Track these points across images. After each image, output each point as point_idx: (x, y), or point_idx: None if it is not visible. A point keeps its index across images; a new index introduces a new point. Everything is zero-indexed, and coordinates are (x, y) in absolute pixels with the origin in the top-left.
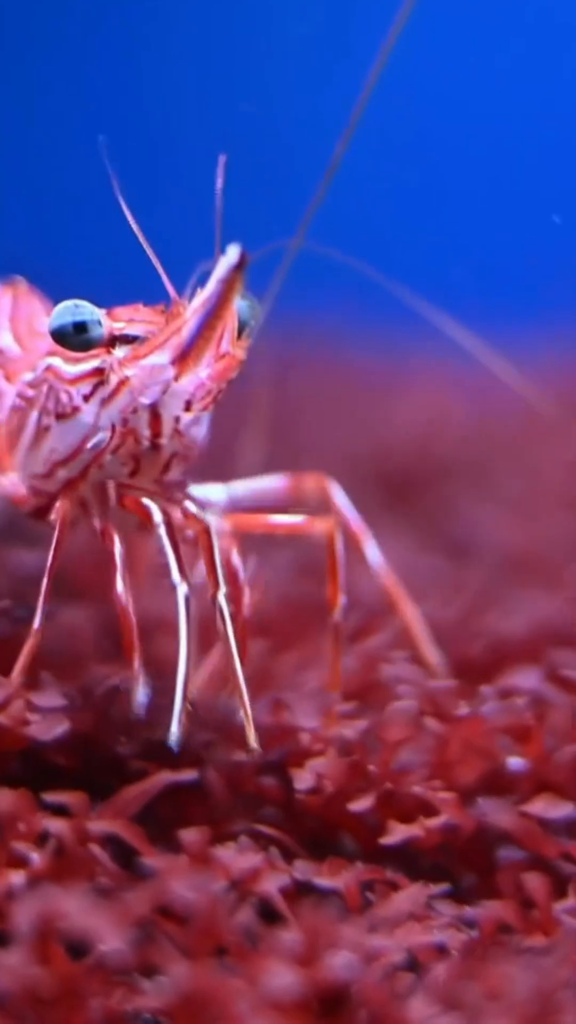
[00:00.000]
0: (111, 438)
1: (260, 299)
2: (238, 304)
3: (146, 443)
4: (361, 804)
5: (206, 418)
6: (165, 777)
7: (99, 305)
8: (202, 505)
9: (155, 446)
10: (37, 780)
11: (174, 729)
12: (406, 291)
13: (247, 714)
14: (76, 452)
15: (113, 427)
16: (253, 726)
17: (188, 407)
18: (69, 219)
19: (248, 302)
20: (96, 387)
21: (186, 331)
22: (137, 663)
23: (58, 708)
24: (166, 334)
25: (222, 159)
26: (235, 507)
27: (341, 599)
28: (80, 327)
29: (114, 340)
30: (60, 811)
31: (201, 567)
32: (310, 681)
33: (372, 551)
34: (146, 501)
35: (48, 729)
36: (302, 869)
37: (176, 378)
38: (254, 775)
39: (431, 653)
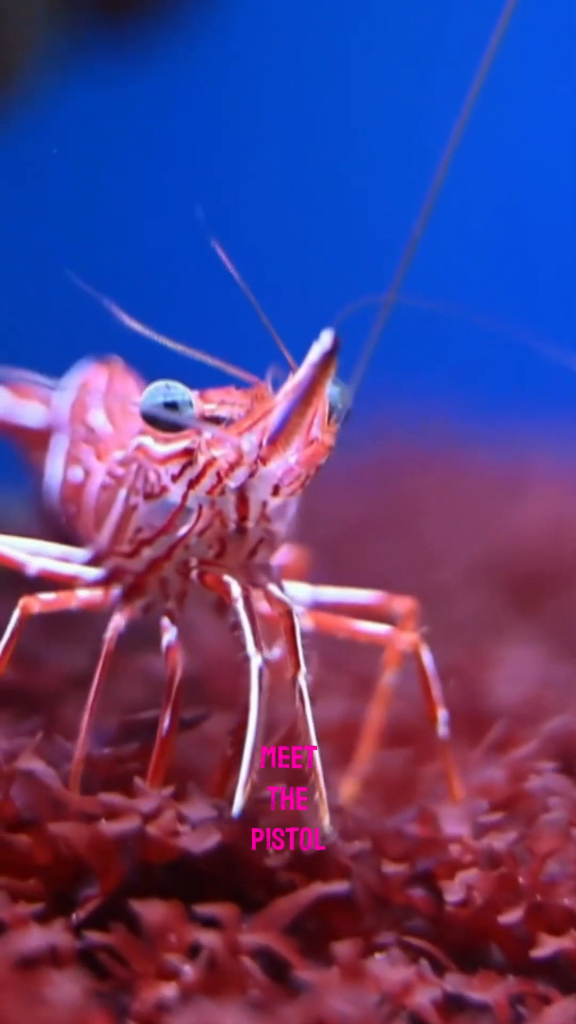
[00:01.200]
0: (197, 519)
1: (348, 383)
2: (329, 390)
3: (232, 526)
4: (511, 916)
5: (294, 504)
6: (317, 889)
7: (191, 387)
8: (285, 592)
9: (241, 529)
10: (186, 891)
11: (238, 800)
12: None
13: (322, 797)
14: (162, 532)
15: (200, 508)
16: (328, 811)
17: (276, 492)
18: (169, 300)
19: (339, 388)
20: (184, 468)
21: (276, 415)
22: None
23: (208, 819)
24: (255, 417)
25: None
26: (318, 609)
27: (441, 714)
28: (170, 407)
29: (204, 422)
30: (211, 923)
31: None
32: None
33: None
34: (226, 577)
35: (199, 841)
36: (453, 982)
37: (264, 462)
38: (403, 886)
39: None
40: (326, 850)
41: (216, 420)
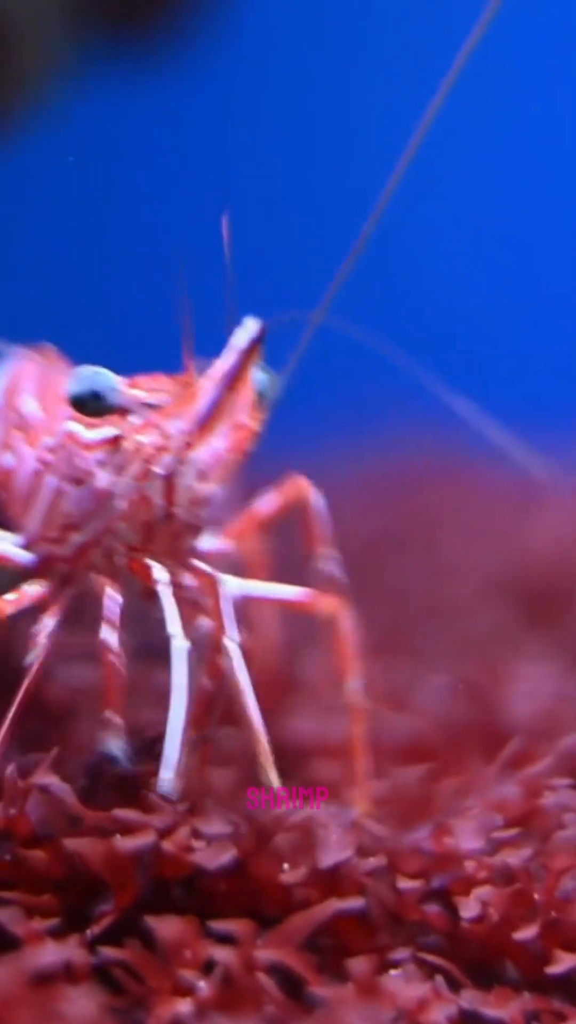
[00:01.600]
0: (124, 505)
1: (279, 372)
2: (255, 376)
3: (160, 512)
4: (526, 933)
5: (221, 489)
6: (333, 905)
7: (121, 373)
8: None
9: (168, 515)
10: (201, 907)
11: (163, 775)
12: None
13: (266, 755)
14: (89, 517)
15: (127, 494)
16: (275, 769)
17: (203, 477)
18: (100, 289)
19: (266, 374)
20: (111, 454)
21: (202, 401)
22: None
23: (223, 835)
24: (181, 403)
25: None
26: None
27: (352, 680)
28: (97, 394)
29: (132, 408)
30: (226, 939)
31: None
32: (472, 807)
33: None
34: (150, 562)
35: (214, 857)
36: (469, 998)
37: (191, 447)
38: (418, 902)
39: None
40: (341, 866)
41: (144, 406)
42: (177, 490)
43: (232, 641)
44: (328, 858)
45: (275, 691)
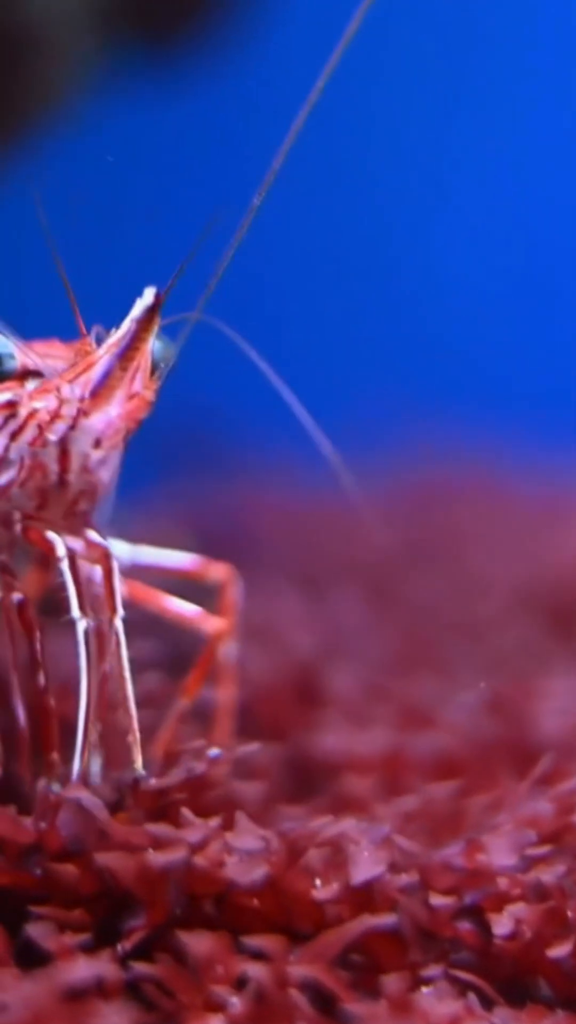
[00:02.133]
0: (19, 471)
1: (173, 340)
2: (152, 345)
3: (54, 478)
4: (560, 950)
5: (115, 457)
6: (366, 921)
7: (14, 337)
8: (105, 539)
9: (63, 482)
10: (232, 923)
11: (75, 766)
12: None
13: (135, 738)
14: None
15: (22, 460)
16: (141, 753)
17: (98, 445)
18: None
19: (162, 343)
20: (6, 420)
21: (98, 368)
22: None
23: (255, 851)
24: (77, 370)
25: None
26: (136, 570)
27: (197, 692)
28: None
29: (27, 374)
30: (258, 955)
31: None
32: (503, 823)
33: (229, 648)
34: (50, 535)
35: (246, 872)
36: (502, 1016)
37: (86, 414)
38: (450, 919)
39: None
40: (373, 882)
41: (38, 373)
42: (72, 457)
43: (118, 621)
44: (360, 874)
45: (303, 706)
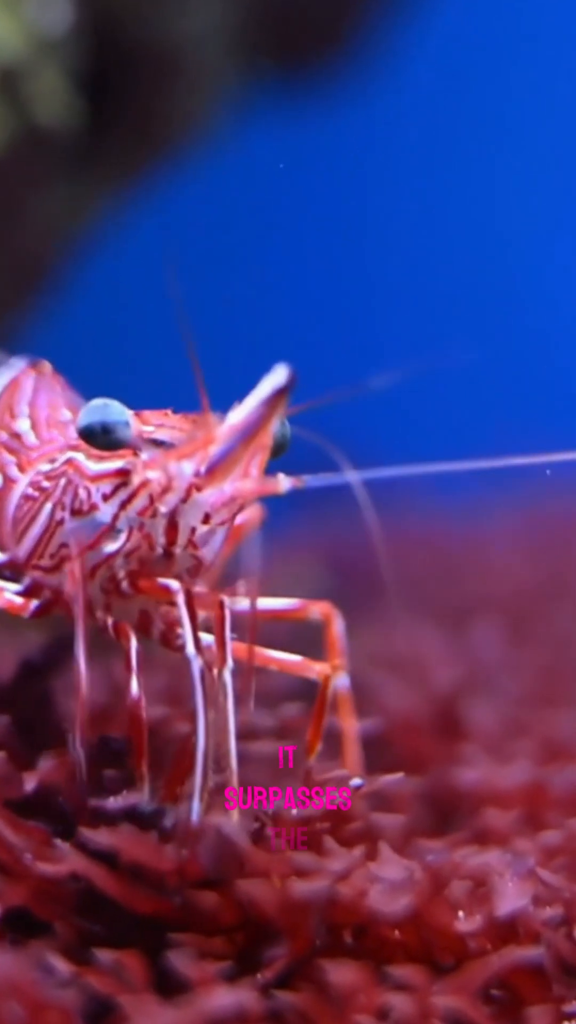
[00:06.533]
0: (126, 540)
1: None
2: (273, 426)
3: (159, 550)
4: None
5: (222, 533)
6: (514, 953)
7: (128, 406)
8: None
9: (168, 554)
10: (374, 953)
11: (195, 807)
12: None
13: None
14: (88, 550)
15: (130, 530)
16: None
17: (207, 519)
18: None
19: (280, 423)
20: (117, 488)
21: (219, 445)
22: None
23: (398, 881)
24: (196, 444)
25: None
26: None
27: (319, 746)
28: (108, 427)
29: (141, 443)
30: (401, 986)
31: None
32: None
33: (341, 681)
34: (163, 580)
35: (389, 902)
36: None
37: (200, 489)
38: None
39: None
40: (517, 915)
41: (154, 443)
42: (179, 530)
43: (228, 673)
44: (505, 907)
45: (443, 740)
